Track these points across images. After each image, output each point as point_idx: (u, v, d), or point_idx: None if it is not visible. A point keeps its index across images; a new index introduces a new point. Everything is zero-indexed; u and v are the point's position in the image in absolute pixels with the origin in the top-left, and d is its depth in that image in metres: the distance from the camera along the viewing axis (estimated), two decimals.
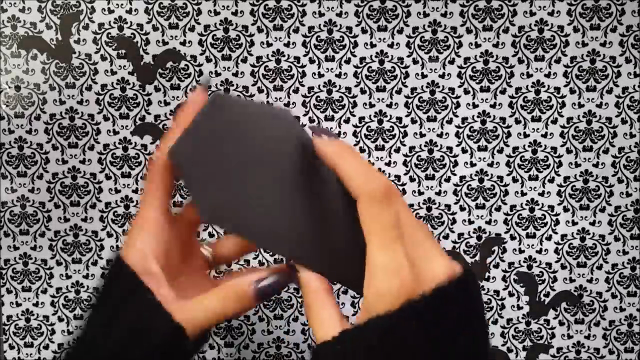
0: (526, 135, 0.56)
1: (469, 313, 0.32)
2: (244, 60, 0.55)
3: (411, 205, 0.57)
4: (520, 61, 0.55)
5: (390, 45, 0.55)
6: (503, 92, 0.56)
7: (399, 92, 0.55)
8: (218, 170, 0.38)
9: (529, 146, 0.56)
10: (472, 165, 0.56)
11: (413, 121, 0.56)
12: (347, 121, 0.56)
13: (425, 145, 0.56)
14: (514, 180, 0.56)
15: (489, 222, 0.57)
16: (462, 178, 0.56)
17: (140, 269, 0.37)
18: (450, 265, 0.32)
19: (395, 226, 0.32)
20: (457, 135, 0.56)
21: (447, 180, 0.56)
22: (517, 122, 0.56)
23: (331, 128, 0.56)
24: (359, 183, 0.33)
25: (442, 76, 0.55)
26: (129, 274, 0.37)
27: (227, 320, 0.40)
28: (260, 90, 0.56)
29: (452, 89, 0.55)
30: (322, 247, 0.36)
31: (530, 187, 0.56)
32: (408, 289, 0.31)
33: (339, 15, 0.55)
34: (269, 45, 0.55)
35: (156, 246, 0.38)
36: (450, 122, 0.56)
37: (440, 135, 0.56)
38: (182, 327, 0.36)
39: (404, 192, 0.57)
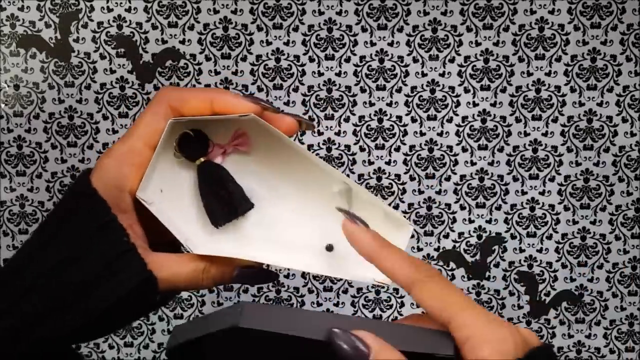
0: (527, 134, 0.56)
1: None
2: (244, 59, 0.55)
3: (411, 205, 0.57)
4: (521, 60, 0.55)
5: (390, 44, 0.55)
6: (503, 90, 0.55)
7: (399, 90, 0.55)
8: None
9: (529, 145, 0.56)
10: (473, 164, 0.56)
11: (413, 120, 0.56)
12: (347, 120, 0.56)
13: (425, 144, 0.56)
14: (515, 179, 0.56)
15: (489, 221, 0.57)
16: (462, 177, 0.56)
17: (112, 201, 0.33)
18: (534, 334, 0.33)
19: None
20: (457, 134, 0.56)
21: (448, 179, 0.56)
22: (518, 120, 0.56)
23: (331, 127, 0.56)
24: (410, 272, 0.32)
25: (442, 75, 0.55)
26: (100, 205, 0.33)
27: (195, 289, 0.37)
28: (259, 89, 0.56)
29: (452, 88, 0.55)
30: None
31: (531, 186, 0.56)
32: (518, 337, 0.30)
33: (339, 13, 0.55)
34: (269, 43, 0.55)
35: (134, 182, 0.34)
36: (450, 120, 0.56)
37: (440, 134, 0.56)
38: (155, 279, 0.32)
39: (404, 191, 0.56)
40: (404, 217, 0.37)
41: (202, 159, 0.36)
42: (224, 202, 0.37)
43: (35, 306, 0.32)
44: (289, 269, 0.53)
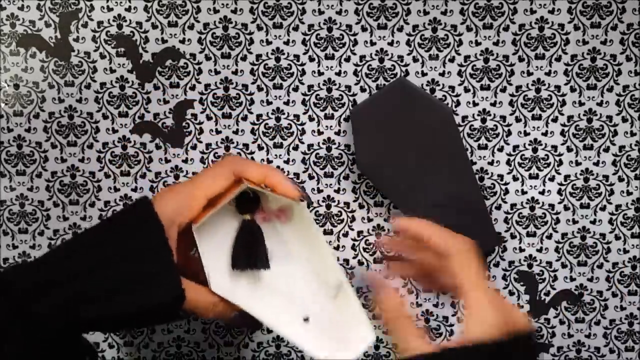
0: (526, 134, 0.56)
1: None
2: (244, 59, 0.55)
3: None
4: (521, 59, 0.55)
5: (390, 43, 0.55)
6: (503, 90, 0.55)
7: None
8: (381, 137, 0.52)
9: (529, 144, 0.56)
10: (472, 163, 0.56)
11: None
12: (347, 119, 0.56)
13: None
14: (514, 178, 0.56)
15: None
16: None
17: (165, 228, 0.40)
18: (528, 319, 0.40)
19: (484, 272, 0.40)
20: None
21: None
22: (518, 120, 0.56)
23: (331, 126, 0.56)
24: (450, 243, 0.41)
25: (442, 74, 0.55)
26: (158, 226, 0.40)
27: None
28: (259, 89, 0.56)
29: (452, 87, 0.55)
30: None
31: (531, 186, 0.56)
32: (509, 323, 0.38)
33: (339, 13, 0.55)
34: (269, 43, 0.55)
35: (185, 219, 0.42)
36: None
37: None
38: (184, 298, 0.40)
39: None
40: (373, 326, 0.44)
41: (248, 217, 0.46)
42: (249, 256, 0.45)
43: (88, 288, 0.38)
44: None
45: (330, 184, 0.56)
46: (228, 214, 0.46)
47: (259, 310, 0.44)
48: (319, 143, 0.56)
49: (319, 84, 0.55)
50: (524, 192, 0.56)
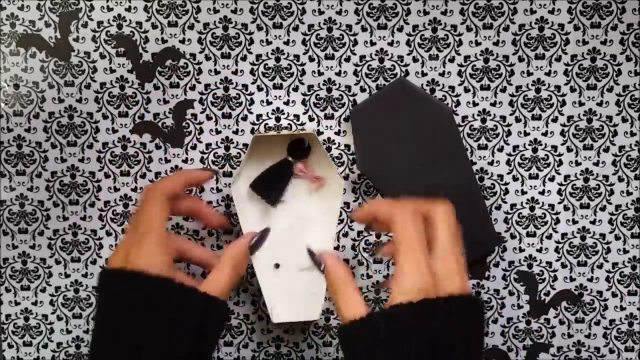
0: (526, 134, 0.56)
1: (471, 330, 0.40)
2: (244, 59, 0.55)
3: None
4: (521, 59, 0.55)
5: (390, 44, 0.55)
6: (503, 90, 0.55)
7: None
8: (381, 137, 0.54)
9: (529, 145, 0.56)
10: (473, 163, 0.56)
11: None
12: (347, 119, 0.56)
13: None
14: (514, 178, 0.56)
15: None
16: None
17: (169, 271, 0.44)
18: (464, 286, 0.40)
19: (420, 240, 0.41)
20: None
21: None
22: (518, 120, 0.56)
23: (331, 127, 0.56)
24: (393, 212, 0.42)
25: (442, 74, 0.55)
26: (191, 292, 0.44)
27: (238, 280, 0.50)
28: (259, 89, 0.56)
29: (452, 87, 0.55)
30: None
31: (531, 186, 0.56)
32: (428, 291, 0.39)
33: (339, 13, 0.55)
34: (269, 43, 0.55)
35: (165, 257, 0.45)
36: None
37: None
38: (225, 303, 0.45)
39: None
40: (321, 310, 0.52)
41: (290, 158, 0.55)
42: (267, 185, 0.54)
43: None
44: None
45: None
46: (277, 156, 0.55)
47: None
48: None
49: (319, 84, 0.55)
50: (523, 192, 0.56)
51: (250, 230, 0.51)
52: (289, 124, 0.56)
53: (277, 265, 0.55)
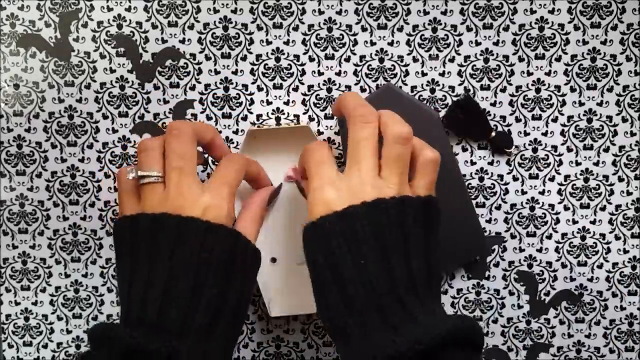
0: (526, 134, 0.56)
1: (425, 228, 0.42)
2: (244, 59, 0.55)
3: None
4: (521, 59, 0.55)
5: (390, 43, 0.55)
6: (503, 90, 0.55)
7: None
8: None
9: (529, 144, 0.56)
10: (473, 163, 0.56)
11: None
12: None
13: None
14: (514, 178, 0.56)
15: (489, 221, 0.57)
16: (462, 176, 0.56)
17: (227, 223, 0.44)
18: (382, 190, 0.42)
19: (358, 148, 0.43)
20: (457, 133, 0.56)
21: None
22: (518, 120, 0.56)
23: (331, 127, 0.56)
24: (360, 112, 0.45)
25: (442, 74, 0.55)
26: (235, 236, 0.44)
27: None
28: (259, 89, 0.56)
29: (452, 87, 0.55)
30: None
31: (531, 186, 0.56)
32: (357, 196, 0.42)
33: (339, 13, 0.55)
34: (269, 43, 0.55)
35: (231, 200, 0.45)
36: None
37: None
38: (258, 250, 0.46)
39: None
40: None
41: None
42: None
43: (223, 329, 0.43)
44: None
45: None
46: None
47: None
48: None
49: (319, 84, 0.55)
50: (523, 192, 0.56)
51: (266, 187, 0.52)
52: (288, 124, 0.56)
53: (273, 260, 0.55)
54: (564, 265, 0.57)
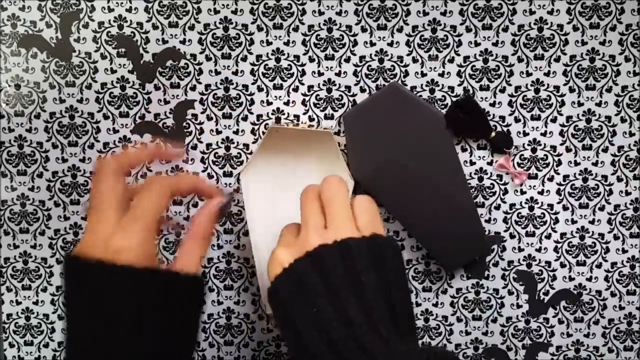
0: (525, 134, 0.56)
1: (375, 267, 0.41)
2: (244, 59, 0.55)
3: None
4: (520, 60, 0.55)
5: (390, 44, 0.55)
6: (502, 90, 0.56)
7: None
8: (373, 143, 0.54)
9: (528, 144, 0.56)
10: (472, 163, 0.56)
11: None
12: (339, 124, 0.56)
13: None
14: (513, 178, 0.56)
15: (488, 221, 0.57)
16: None
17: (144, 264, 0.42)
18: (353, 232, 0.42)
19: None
20: (456, 133, 0.56)
21: None
22: (517, 120, 0.56)
23: (331, 126, 0.56)
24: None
25: (441, 74, 0.55)
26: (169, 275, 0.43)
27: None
28: (260, 89, 0.56)
29: (451, 88, 0.55)
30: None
31: (530, 186, 0.56)
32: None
33: (339, 13, 0.55)
34: (269, 43, 0.55)
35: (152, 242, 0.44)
36: None
37: None
38: (200, 275, 0.44)
39: None
40: None
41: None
42: None
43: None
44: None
45: None
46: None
47: (257, 235, 0.54)
48: None
49: (319, 84, 0.56)
50: (523, 192, 0.57)
51: (213, 199, 0.48)
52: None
53: None
54: (563, 265, 0.57)
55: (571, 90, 0.56)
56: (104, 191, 0.43)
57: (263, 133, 0.56)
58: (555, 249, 0.57)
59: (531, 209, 0.57)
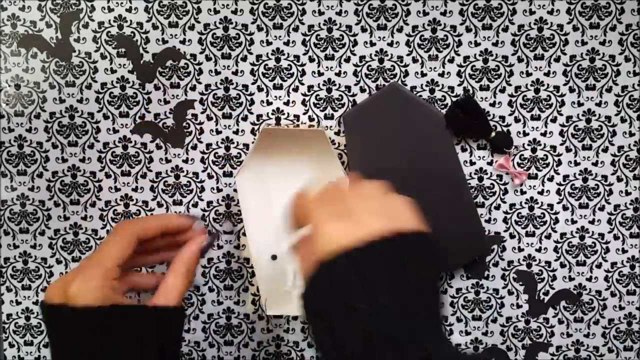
0: (525, 134, 0.56)
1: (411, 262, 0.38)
2: (244, 59, 0.55)
3: None
4: (520, 60, 0.55)
5: (390, 44, 0.55)
6: (502, 90, 0.56)
7: None
8: (373, 143, 0.53)
9: (528, 144, 0.56)
10: (472, 163, 0.56)
11: None
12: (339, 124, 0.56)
13: None
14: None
15: (488, 221, 0.57)
16: None
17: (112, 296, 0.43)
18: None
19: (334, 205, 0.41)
20: (456, 133, 0.56)
21: None
22: (517, 120, 0.56)
23: (331, 127, 0.56)
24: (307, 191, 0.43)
25: (441, 75, 0.55)
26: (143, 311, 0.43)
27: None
28: (260, 89, 0.56)
29: (451, 88, 0.55)
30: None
31: (530, 186, 0.56)
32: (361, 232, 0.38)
33: (339, 13, 0.55)
34: (269, 43, 0.55)
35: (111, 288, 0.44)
36: None
37: None
38: (180, 307, 0.45)
39: None
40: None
41: None
42: None
43: None
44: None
45: None
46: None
47: (254, 236, 0.53)
48: None
49: (318, 84, 0.56)
50: (523, 192, 0.57)
51: (199, 235, 0.49)
52: (288, 124, 0.56)
53: (274, 257, 0.55)
54: (563, 265, 0.57)
55: (571, 90, 0.56)
56: (112, 253, 0.44)
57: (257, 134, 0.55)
58: (555, 249, 0.57)
59: (531, 209, 0.57)
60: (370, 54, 0.55)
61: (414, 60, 0.55)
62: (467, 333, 0.58)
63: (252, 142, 0.56)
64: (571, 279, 0.57)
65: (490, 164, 0.56)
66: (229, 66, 0.55)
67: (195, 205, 0.57)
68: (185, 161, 0.56)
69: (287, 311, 0.54)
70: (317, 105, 0.56)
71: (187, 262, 0.47)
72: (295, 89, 0.56)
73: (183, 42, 0.55)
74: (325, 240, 0.37)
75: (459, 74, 0.55)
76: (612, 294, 0.57)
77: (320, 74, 0.55)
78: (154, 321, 0.43)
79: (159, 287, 0.45)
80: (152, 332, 0.43)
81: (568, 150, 0.56)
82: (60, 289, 0.42)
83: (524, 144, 0.56)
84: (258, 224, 0.54)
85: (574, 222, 0.57)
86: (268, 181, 0.55)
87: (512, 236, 0.57)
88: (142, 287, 0.49)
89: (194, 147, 0.56)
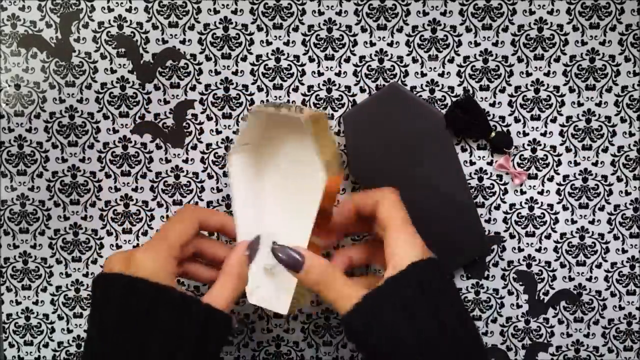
0: (525, 134, 0.56)
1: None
2: (244, 59, 0.55)
3: None
4: (520, 60, 0.55)
5: (390, 44, 0.55)
6: (502, 90, 0.56)
7: None
8: (373, 143, 0.54)
9: (528, 145, 0.56)
10: (472, 163, 0.56)
11: None
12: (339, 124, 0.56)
13: None
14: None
15: (488, 221, 0.57)
16: None
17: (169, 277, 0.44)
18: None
19: (406, 215, 0.45)
20: (456, 133, 0.56)
21: None
22: (517, 120, 0.56)
23: (331, 127, 0.56)
24: (376, 194, 0.47)
25: (441, 75, 0.55)
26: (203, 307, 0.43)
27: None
28: (259, 89, 0.56)
29: (451, 88, 0.56)
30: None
31: (530, 186, 0.56)
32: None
33: (339, 13, 0.55)
34: (269, 43, 0.55)
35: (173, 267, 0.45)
36: None
37: None
38: (228, 316, 0.44)
39: None
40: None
41: None
42: None
43: None
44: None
45: None
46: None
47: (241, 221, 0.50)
48: None
49: (318, 84, 0.56)
50: (522, 192, 0.57)
51: (242, 240, 0.48)
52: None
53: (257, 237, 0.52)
54: (562, 265, 0.57)
55: (571, 90, 0.56)
56: (177, 230, 0.45)
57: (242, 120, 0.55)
58: (555, 249, 0.57)
59: (531, 209, 0.57)
60: (370, 54, 0.55)
61: (414, 60, 0.55)
62: None
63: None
64: (571, 279, 0.58)
65: (490, 164, 0.56)
66: (229, 66, 0.55)
67: (195, 205, 0.57)
68: (185, 161, 0.56)
69: (264, 305, 0.50)
70: (317, 105, 0.56)
71: (237, 266, 0.46)
72: (295, 89, 0.56)
73: (183, 42, 0.55)
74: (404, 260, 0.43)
75: (458, 74, 0.55)
76: (612, 294, 0.58)
77: (320, 74, 0.56)
78: (202, 319, 0.42)
79: (213, 287, 0.44)
80: (197, 329, 0.41)
81: (568, 150, 0.56)
82: (125, 258, 0.43)
83: (523, 144, 0.56)
84: (246, 212, 0.51)
85: (573, 222, 0.57)
86: (254, 166, 0.52)
87: (512, 236, 0.57)
88: (196, 277, 0.49)
89: (194, 147, 0.56)
